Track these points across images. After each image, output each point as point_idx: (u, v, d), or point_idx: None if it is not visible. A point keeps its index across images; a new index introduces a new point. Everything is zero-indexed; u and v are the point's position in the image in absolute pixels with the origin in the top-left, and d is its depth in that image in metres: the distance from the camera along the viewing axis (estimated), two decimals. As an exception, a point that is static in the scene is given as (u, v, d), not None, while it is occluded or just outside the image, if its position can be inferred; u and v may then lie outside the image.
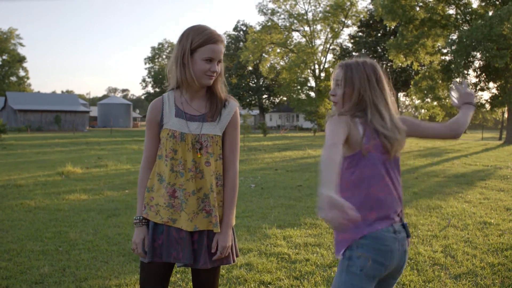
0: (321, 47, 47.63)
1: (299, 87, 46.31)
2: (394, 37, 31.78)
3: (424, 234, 4.78)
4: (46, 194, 7.16)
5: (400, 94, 50.70)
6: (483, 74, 26.71)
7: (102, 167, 11.15)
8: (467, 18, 26.90)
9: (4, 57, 64.83)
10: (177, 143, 1.83)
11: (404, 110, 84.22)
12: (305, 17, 46.42)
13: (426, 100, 30.65)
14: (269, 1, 46.49)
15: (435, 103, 31.58)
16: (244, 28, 58.95)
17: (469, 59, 25.08)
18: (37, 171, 10.37)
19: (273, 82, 54.84)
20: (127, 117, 63.93)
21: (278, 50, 48.36)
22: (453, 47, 24.31)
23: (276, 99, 59.99)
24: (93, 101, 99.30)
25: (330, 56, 78.78)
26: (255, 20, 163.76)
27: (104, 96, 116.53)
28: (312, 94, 46.51)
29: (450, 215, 5.75)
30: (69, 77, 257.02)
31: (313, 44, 46.81)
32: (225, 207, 1.89)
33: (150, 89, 73.97)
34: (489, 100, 27.45)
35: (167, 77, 1.94)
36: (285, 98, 55.16)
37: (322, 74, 46.24)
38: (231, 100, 1.93)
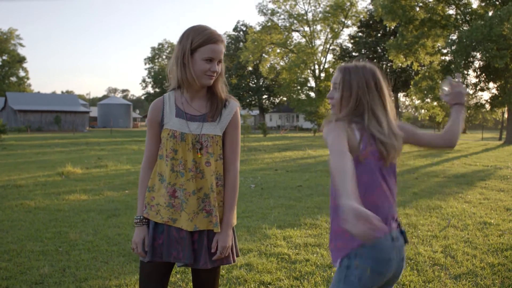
0: (321, 48, 47.68)
1: (299, 87, 46.31)
2: (394, 38, 31.81)
3: (424, 235, 4.78)
4: (46, 195, 7.16)
5: (400, 95, 50.74)
6: (483, 74, 26.73)
7: (102, 168, 11.14)
8: (467, 18, 26.91)
9: (4, 57, 64.87)
10: (178, 143, 1.83)
11: (404, 111, 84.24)
12: (305, 17, 46.44)
13: (426, 100, 30.66)
14: (269, 2, 46.52)
15: (435, 103, 31.58)
16: (244, 29, 58.97)
17: (469, 59, 25.09)
18: (37, 171, 10.37)
19: (273, 83, 54.85)
20: (127, 118, 63.95)
21: (278, 51, 48.38)
22: (453, 48, 24.32)
23: (276, 99, 60.01)
24: (93, 102, 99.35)
25: (330, 57, 79.01)
26: (255, 20, 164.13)
27: (104, 97, 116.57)
28: (312, 94, 46.53)
29: (450, 216, 5.75)
30: (69, 77, 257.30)
31: (313, 44, 46.84)
32: (226, 207, 1.89)
33: (150, 89, 74.05)
34: (489, 100, 27.46)
35: (167, 77, 1.95)
36: (285, 99, 55.18)
37: (322, 74, 46.26)
38: (232, 100, 1.93)
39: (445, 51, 28.96)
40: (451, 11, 28.54)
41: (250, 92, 57.37)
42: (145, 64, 75.36)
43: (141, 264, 1.92)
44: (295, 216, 5.71)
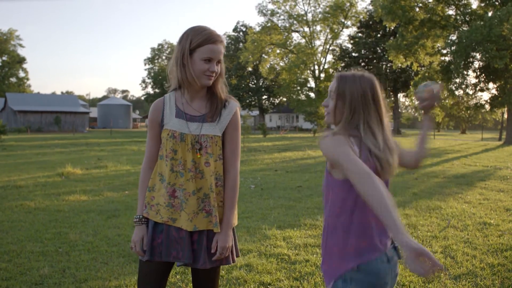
0: (321, 48, 47.64)
1: (298, 87, 46.27)
2: (393, 38, 31.84)
3: (424, 235, 4.78)
4: (46, 195, 7.16)
5: (400, 95, 50.71)
6: (483, 74, 26.74)
7: (102, 168, 11.14)
8: (466, 18, 26.92)
9: (4, 58, 64.87)
10: (177, 143, 1.84)
11: (404, 111, 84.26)
12: (304, 18, 46.43)
13: (426, 100, 30.63)
14: (269, 2, 46.56)
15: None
16: (244, 29, 58.99)
17: (468, 60, 25.10)
18: (37, 172, 10.37)
19: (273, 83, 54.85)
20: (127, 118, 63.94)
21: (278, 51, 48.35)
22: (452, 48, 24.34)
23: (276, 100, 60.00)
24: (93, 102, 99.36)
25: (329, 57, 78.98)
26: (255, 21, 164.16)
27: (104, 97, 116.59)
28: (312, 94, 46.49)
29: (450, 216, 5.75)
30: (69, 78, 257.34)
31: (313, 44, 46.81)
32: (226, 207, 1.89)
33: (150, 90, 73.98)
34: (488, 101, 27.47)
35: (168, 78, 1.95)
36: (284, 99, 55.17)
37: (322, 75, 46.24)
38: (232, 100, 1.93)
39: (444, 51, 28.99)
40: (451, 12, 28.57)
41: (250, 93, 57.37)
42: (145, 64, 75.33)
43: (140, 264, 1.93)
44: (295, 216, 5.71)
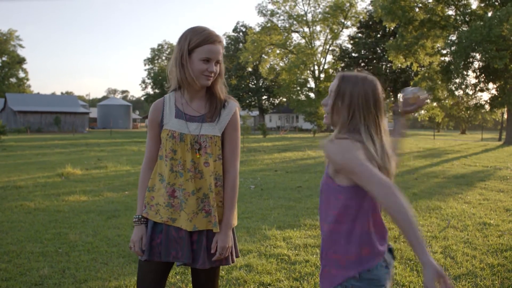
0: (321, 48, 47.70)
1: (298, 88, 46.31)
2: (393, 38, 31.84)
3: (424, 235, 4.78)
4: (46, 196, 7.16)
5: (400, 95, 50.69)
6: (483, 75, 26.73)
7: (101, 169, 11.14)
8: (466, 19, 26.93)
9: (3, 58, 64.89)
10: (177, 143, 1.84)
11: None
12: (304, 18, 46.47)
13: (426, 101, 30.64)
14: (269, 2, 46.65)
15: (434, 104, 31.63)
16: (244, 29, 59.00)
17: (468, 60, 25.10)
18: (37, 172, 10.37)
19: (273, 83, 54.87)
20: (127, 119, 63.94)
21: (278, 51, 48.39)
22: (452, 48, 24.34)
23: (276, 100, 60.01)
24: (93, 102, 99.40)
25: (329, 57, 78.91)
26: (255, 21, 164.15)
27: (104, 97, 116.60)
28: (312, 95, 46.52)
29: (450, 216, 5.75)
30: (68, 78, 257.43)
31: (313, 45, 46.85)
32: (225, 207, 1.89)
33: (149, 90, 74.01)
34: (488, 101, 27.48)
35: (168, 78, 1.96)
36: (284, 99, 55.17)
37: (322, 75, 46.28)
38: (231, 100, 1.94)
39: (444, 51, 28.99)
40: (451, 12, 28.58)
41: (249, 93, 57.37)
42: (145, 65, 75.40)
43: (139, 264, 1.93)
44: (295, 217, 5.71)
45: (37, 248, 4.25)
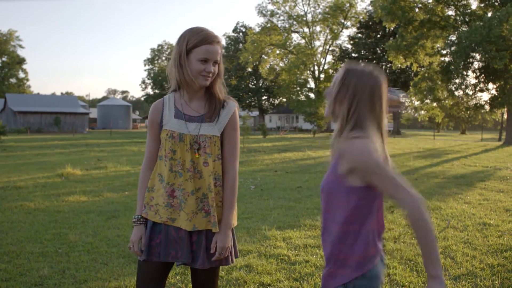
0: (321, 49, 47.73)
1: (298, 88, 46.33)
2: (393, 38, 31.86)
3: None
4: (46, 196, 7.16)
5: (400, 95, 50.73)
6: (483, 75, 26.75)
7: (101, 169, 11.14)
8: (466, 19, 26.94)
9: (3, 58, 64.90)
10: (176, 143, 1.85)
11: (403, 112, 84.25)
12: (304, 18, 46.49)
13: (426, 101, 30.70)
14: (269, 3, 46.68)
15: (434, 104, 31.63)
16: (244, 30, 59.01)
17: (468, 60, 25.12)
18: (37, 173, 10.37)
19: (273, 84, 54.87)
20: (127, 119, 63.93)
21: (278, 52, 48.40)
22: (452, 48, 24.36)
23: (276, 100, 60.02)
24: (93, 103, 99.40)
25: (329, 58, 78.90)
26: (255, 21, 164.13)
27: (104, 98, 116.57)
28: (312, 95, 46.54)
29: (450, 216, 5.75)
30: (68, 78, 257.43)
31: (313, 45, 46.87)
32: (225, 207, 1.89)
33: (149, 90, 73.99)
34: (488, 101, 27.49)
35: (168, 79, 1.96)
36: (284, 100, 55.17)
37: (322, 76, 46.29)
38: (230, 100, 1.95)
39: (444, 52, 29.00)
40: (450, 12, 28.60)
41: (249, 93, 57.38)
42: (145, 65, 75.40)
43: (138, 264, 1.93)
44: (295, 217, 5.71)
45: (37, 248, 4.25)
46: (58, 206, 6.32)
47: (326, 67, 47.13)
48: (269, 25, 46.57)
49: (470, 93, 28.10)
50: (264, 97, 59.29)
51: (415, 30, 27.80)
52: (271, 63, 50.13)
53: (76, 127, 47.48)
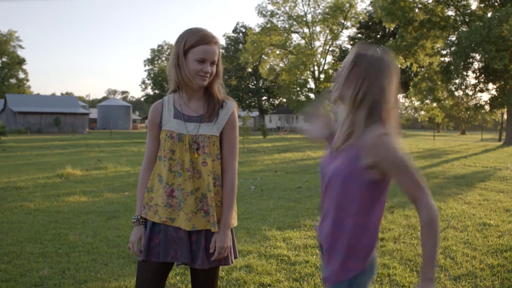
0: (321, 49, 47.65)
1: (298, 88, 46.30)
2: (393, 39, 31.87)
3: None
4: (46, 196, 7.16)
5: (400, 96, 50.77)
6: (482, 75, 26.76)
7: (101, 169, 11.14)
8: (466, 19, 26.95)
9: (3, 59, 64.90)
10: (175, 143, 1.85)
11: (403, 112, 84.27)
12: (304, 18, 46.46)
13: (426, 101, 30.70)
14: (269, 3, 46.61)
15: (434, 104, 31.63)
16: (244, 30, 59.01)
17: (468, 61, 25.12)
18: (37, 173, 10.37)
19: (273, 84, 54.86)
20: (127, 119, 63.95)
21: (278, 52, 48.36)
22: (452, 49, 24.36)
23: (276, 100, 60.01)
24: (93, 103, 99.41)
25: (329, 58, 78.72)
26: (255, 22, 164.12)
27: (104, 98, 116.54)
28: (312, 95, 46.51)
29: (450, 217, 5.75)
30: (68, 79, 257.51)
31: (313, 45, 46.83)
32: (224, 207, 1.90)
33: (149, 91, 73.97)
34: (488, 102, 27.49)
35: (168, 80, 1.97)
36: (284, 100, 55.16)
37: (322, 76, 46.27)
38: (229, 101, 1.95)
39: (444, 52, 29.01)
40: (450, 13, 28.61)
41: (249, 94, 57.37)
42: (145, 65, 75.35)
43: (138, 264, 1.94)
44: (295, 217, 5.71)
45: (37, 249, 4.25)
46: (58, 207, 6.32)
47: (326, 67, 47.09)
48: (269, 25, 46.52)
49: (470, 93, 28.11)
50: (264, 98, 59.28)
51: (415, 30, 27.81)
52: (271, 63, 50.10)
53: (76, 128, 47.48)
